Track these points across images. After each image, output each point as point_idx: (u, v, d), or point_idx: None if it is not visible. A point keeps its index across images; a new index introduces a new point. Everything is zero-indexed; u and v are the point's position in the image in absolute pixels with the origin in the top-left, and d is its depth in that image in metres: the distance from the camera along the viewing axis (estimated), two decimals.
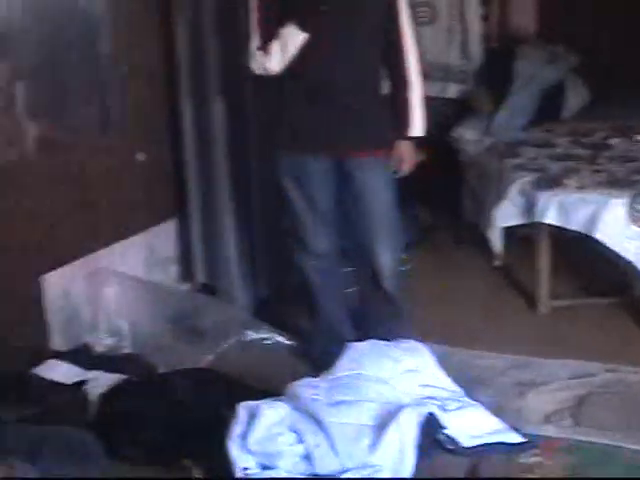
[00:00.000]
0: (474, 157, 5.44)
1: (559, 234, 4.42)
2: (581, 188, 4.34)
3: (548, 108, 5.58)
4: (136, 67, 4.30)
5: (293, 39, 3.63)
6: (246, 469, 2.34)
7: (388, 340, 3.49)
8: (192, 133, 4.47)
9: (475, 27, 5.70)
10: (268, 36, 3.67)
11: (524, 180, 4.50)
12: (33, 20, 3.76)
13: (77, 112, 4.02)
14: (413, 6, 4.03)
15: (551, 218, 4.30)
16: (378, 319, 3.97)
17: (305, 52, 3.64)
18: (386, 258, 3.85)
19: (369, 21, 3.73)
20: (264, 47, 3.68)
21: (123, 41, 4.18)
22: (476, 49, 5.85)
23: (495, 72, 5.66)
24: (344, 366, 3.16)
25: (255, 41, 3.71)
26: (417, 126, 3.86)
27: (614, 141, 5.11)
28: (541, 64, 5.62)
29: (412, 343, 3.40)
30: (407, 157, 3.89)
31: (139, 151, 4.36)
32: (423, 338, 3.60)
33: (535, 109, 5.53)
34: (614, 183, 4.38)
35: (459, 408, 3.15)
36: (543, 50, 5.76)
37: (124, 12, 4.19)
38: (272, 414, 2.92)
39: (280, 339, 4.26)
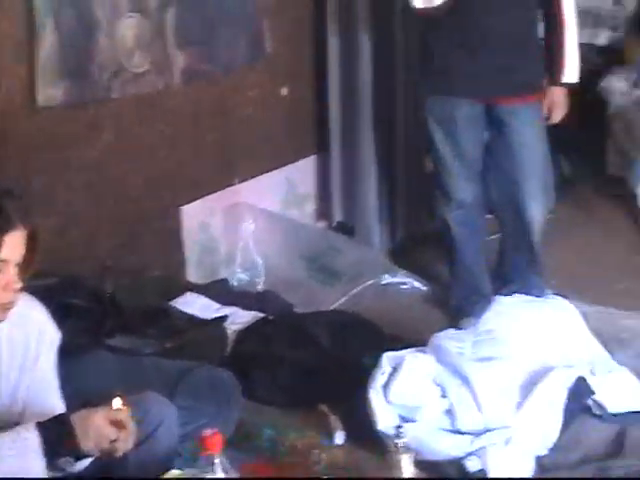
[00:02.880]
0: (622, 109, 5.23)
1: None
2: None
3: None
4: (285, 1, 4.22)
5: None
6: (399, 427, 2.26)
7: (527, 293, 3.40)
8: (337, 69, 4.40)
9: None
10: None
11: None
12: None
13: (225, 43, 3.97)
14: None
15: None
16: (519, 271, 3.85)
17: None
18: (537, 211, 3.71)
19: None
20: None
21: None
22: None
23: None
24: (491, 320, 3.07)
25: None
26: (571, 72, 3.70)
27: None
28: None
29: (560, 300, 3.29)
30: (560, 104, 3.74)
31: (283, 85, 4.30)
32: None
33: None
34: None
35: (607, 372, 3.04)
36: None
37: None
38: (417, 366, 2.85)
39: (417, 285, 4.16)
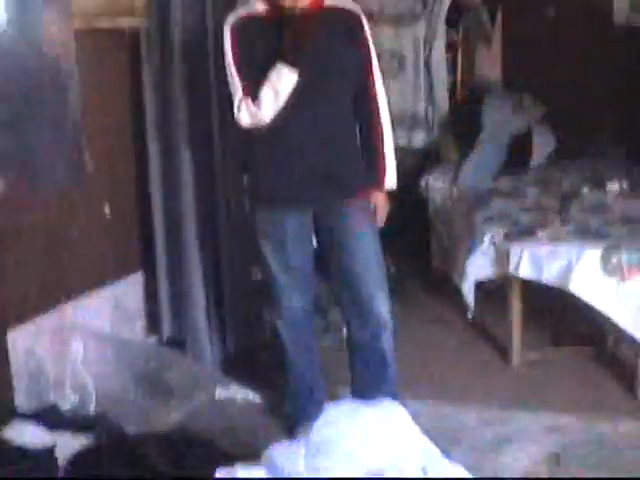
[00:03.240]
0: (442, 206, 5.42)
1: (531, 283, 4.38)
2: (553, 240, 4.31)
3: (516, 157, 5.58)
4: (105, 123, 4.23)
5: (285, 80, 3.46)
6: None
7: (372, 391, 3.46)
8: (159, 188, 4.42)
9: (441, 77, 5.69)
10: (250, 84, 3.51)
11: (495, 233, 4.46)
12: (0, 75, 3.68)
13: (45, 165, 3.93)
14: (380, 55, 4.00)
15: (524, 272, 4.27)
16: (361, 371, 3.86)
17: None
18: (383, 304, 3.72)
19: (342, 74, 3.63)
20: (249, 94, 3.51)
21: (92, 97, 4.10)
22: (443, 98, 5.85)
23: (462, 121, 5.67)
24: (322, 430, 3.06)
25: (238, 90, 3.54)
26: (390, 178, 3.79)
27: (585, 190, 5.08)
28: (508, 113, 5.63)
29: (389, 403, 3.32)
30: (382, 208, 3.83)
31: (106, 204, 4.29)
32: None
33: (503, 158, 5.53)
34: (587, 234, 4.35)
35: (439, 471, 3.07)
36: (510, 99, 5.77)
37: (93, 68, 4.12)
38: None
39: (251, 397, 4.17)
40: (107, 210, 4.29)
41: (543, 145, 5.72)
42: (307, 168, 3.61)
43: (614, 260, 4.08)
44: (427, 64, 5.81)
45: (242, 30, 3.55)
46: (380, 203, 3.81)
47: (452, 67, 6.02)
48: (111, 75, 4.30)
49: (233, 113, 3.56)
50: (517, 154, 5.59)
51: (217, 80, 4.19)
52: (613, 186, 5.04)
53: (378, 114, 3.72)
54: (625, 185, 5.06)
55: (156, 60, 4.29)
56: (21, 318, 3.88)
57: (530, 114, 5.74)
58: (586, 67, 6.06)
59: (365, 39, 3.67)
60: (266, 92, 3.47)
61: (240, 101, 3.53)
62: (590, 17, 6.08)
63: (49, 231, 4.01)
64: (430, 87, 5.85)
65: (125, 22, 4.22)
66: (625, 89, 5.97)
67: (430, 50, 5.79)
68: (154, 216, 4.43)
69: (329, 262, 3.78)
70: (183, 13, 4.23)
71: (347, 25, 3.64)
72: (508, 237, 4.40)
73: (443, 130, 5.84)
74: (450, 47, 5.95)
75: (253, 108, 3.51)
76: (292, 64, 3.45)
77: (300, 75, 3.46)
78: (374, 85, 3.71)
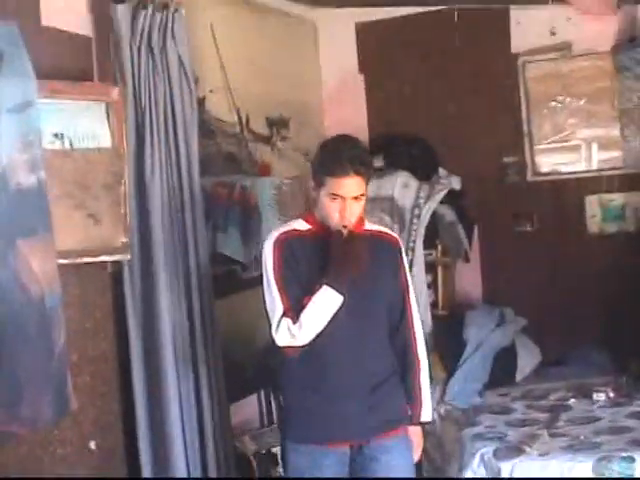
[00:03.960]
0: (430, 427, 5.37)
1: None
2: (543, 455, 4.28)
3: (501, 371, 5.59)
4: (88, 355, 4.25)
5: (331, 303, 3.40)
6: None
7: None
8: (145, 418, 4.39)
9: (423, 299, 5.76)
10: (292, 303, 3.42)
11: (484, 450, 4.42)
12: None
13: (30, 401, 3.90)
14: None
15: None
16: None
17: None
18: None
19: (384, 300, 3.62)
20: (291, 314, 3.41)
21: (76, 329, 4.14)
22: (425, 317, 5.89)
23: (445, 339, 5.70)
24: None
25: (279, 308, 3.43)
26: (427, 411, 3.72)
27: (572, 401, 5.08)
28: (490, 328, 5.67)
29: None
30: (418, 444, 3.75)
31: (91, 439, 4.25)
32: None
33: (488, 373, 5.53)
34: (577, 447, 4.32)
35: None
36: (491, 314, 5.83)
37: (77, 300, 4.18)
38: None
39: None
40: (93, 446, 4.24)
41: (528, 358, 5.75)
42: (346, 397, 3.51)
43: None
44: None
45: (286, 248, 3.51)
46: (416, 438, 3.74)
47: (433, 286, 6.10)
48: (95, 310, 4.34)
49: (270, 332, 3.48)
50: (502, 368, 5.60)
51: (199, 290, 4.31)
52: (600, 396, 5.04)
53: (415, 345, 3.70)
54: (612, 394, 5.06)
55: (139, 292, 4.36)
56: None
57: (513, 327, 5.79)
58: (563, 274, 6.20)
59: (404, 267, 3.72)
60: (310, 314, 3.40)
61: (280, 320, 3.43)
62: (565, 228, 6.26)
63: (35, 470, 3.96)
64: None
65: (108, 257, 4.29)
66: (604, 295, 6.08)
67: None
68: (141, 450, 4.39)
69: None
70: (164, 237, 4.34)
71: (389, 251, 3.68)
72: (498, 454, 4.36)
73: (427, 349, 5.85)
74: (430, 267, 6.05)
75: (294, 328, 3.41)
76: (338, 286, 3.41)
77: (344, 298, 3.44)
78: (411, 314, 3.70)
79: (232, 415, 4.69)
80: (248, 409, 5.24)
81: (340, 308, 3.44)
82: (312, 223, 3.59)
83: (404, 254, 3.75)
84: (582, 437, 4.46)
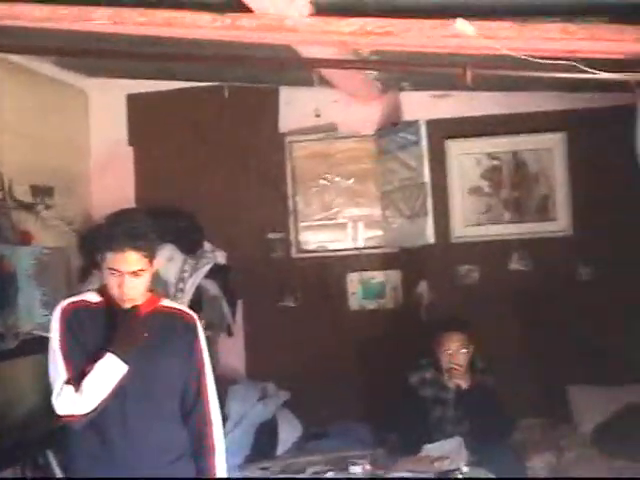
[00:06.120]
0: None
1: None
2: None
3: (263, 445, 5.62)
4: None
5: (113, 371, 3.39)
6: None
7: None
8: None
9: None
10: (75, 371, 3.39)
11: None
12: None
13: None
14: None
15: None
16: None
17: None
18: None
19: (172, 379, 3.58)
20: (73, 382, 3.37)
21: None
22: None
23: None
24: None
25: (61, 376, 3.39)
26: None
27: (330, 474, 5.14)
28: (252, 403, 5.70)
29: None
30: None
31: None
32: None
33: (250, 447, 5.54)
34: None
35: None
36: (254, 388, 5.87)
37: None
38: None
39: None
40: None
41: (289, 431, 5.80)
42: (134, 473, 3.45)
43: None
44: None
45: (73, 317, 3.50)
46: None
47: None
48: None
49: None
50: (264, 442, 5.63)
51: None
52: (356, 469, 5.13)
53: (210, 427, 3.64)
54: (368, 466, 5.15)
55: None
56: None
57: (275, 402, 5.84)
58: (326, 349, 6.36)
59: (200, 347, 3.67)
60: (91, 381, 3.37)
61: (62, 387, 3.38)
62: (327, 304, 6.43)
63: None
64: None
65: None
66: (365, 370, 6.27)
67: None
68: None
69: None
70: None
71: (185, 329, 3.64)
72: None
73: None
74: None
75: (76, 396, 3.37)
76: (122, 354, 3.40)
77: (129, 370, 3.41)
78: (206, 396, 3.65)
79: None
80: None
81: (129, 382, 3.43)
82: (103, 295, 3.57)
83: (201, 333, 3.71)
84: None
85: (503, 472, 4.89)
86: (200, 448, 3.64)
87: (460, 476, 4.65)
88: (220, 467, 3.67)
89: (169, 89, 6.52)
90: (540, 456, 5.65)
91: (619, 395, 5.80)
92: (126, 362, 3.41)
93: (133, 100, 6.67)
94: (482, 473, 4.89)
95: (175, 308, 3.73)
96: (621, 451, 5.38)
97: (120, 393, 3.44)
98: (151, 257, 3.50)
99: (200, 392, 3.64)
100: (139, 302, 3.53)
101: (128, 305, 3.49)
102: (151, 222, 3.56)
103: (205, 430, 3.63)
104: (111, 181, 6.50)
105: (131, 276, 3.45)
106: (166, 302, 3.71)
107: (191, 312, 3.77)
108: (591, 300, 6.07)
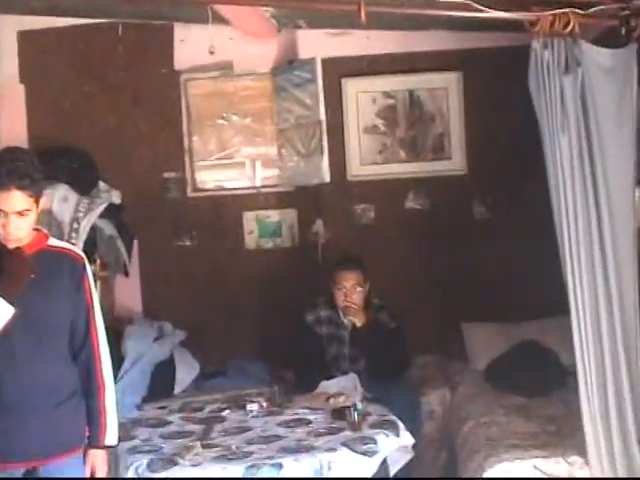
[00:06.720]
0: None
1: None
2: (195, 465, 4.33)
3: (160, 384, 5.61)
4: None
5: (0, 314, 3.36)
6: None
7: None
8: None
9: None
10: None
11: (138, 464, 4.40)
12: None
13: None
14: None
15: None
16: None
17: None
18: None
19: (61, 320, 3.57)
20: None
21: None
22: None
23: None
24: None
25: None
26: (112, 434, 3.71)
27: (227, 412, 5.17)
28: (149, 342, 5.68)
29: None
30: (102, 467, 3.71)
31: None
32: None
33: (147, 387, 5.54)
34: (228, 456, 4.40)
35: None
36: (150, 328, 5.85)
37: None
38: None
39: None
40: None
41: (186, 370, 5.81)
42: (25, 414, 3.46)
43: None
44: None
45: None
46: (99, 461, 3.70)
47: None
48: None
49: None
50: (161, 381, 5.63)
51: None
52: (253, 406, 5.17)
53: (100, 366, 3.66)
54: (264, 403, 5.20)
55: None
56: None
57: (171, 340, 5.83)
58: (222, 288, 6.39)
59: (88, 285, 3.65)
60: None
61: None
62: (224, 243, 6.40)
63: None
64: None
65: None
66: (261, 308, 6.35)
67: None
68: None
69: None
70: None
71: (72, 268, 3.60)
72: (151, 466, 4.36)
73: None
74: None
75: None
76: (8, 297, 3.36)
77: (16, 312, 3.38)
78: (96, 334, 3.66)
79: None
80: None
81: (17, 323, 3.40)
82: None
83: (89, 272, 3.69)
84: (234, 447, 4.54)
85: (398, 408, 4.97)
86: (90, 386, 3.66)
87: (355, 412, 4.72)
88: (110, 404, 3.70)
89: (62, 26, 6.35)
90: (435, 392, 5.81)
91: (513, 332, 5.96)
92: (11, 304, 3.38)
93: (24, 37, 6.45)
94: (377, 409, 4.97)
95: (62, 247, 3.68)
96: (510, 386, 5.55)
97: (7, 335, 3.41)
98: (37, 197, 3.45)
99: (89, 331, 3.65)
100: (25, 242, 3.49)
101: (13, 245, 3.45)
102: (37, 161, 3.49)
103: (94, 368, 3.65)
104: (2, 121, 6.33)
105: (16, 216, 3.39)
106: (53, 241, 3.66)
107: (79, 251, 3.75)
108: (487, 238, 6.19)
